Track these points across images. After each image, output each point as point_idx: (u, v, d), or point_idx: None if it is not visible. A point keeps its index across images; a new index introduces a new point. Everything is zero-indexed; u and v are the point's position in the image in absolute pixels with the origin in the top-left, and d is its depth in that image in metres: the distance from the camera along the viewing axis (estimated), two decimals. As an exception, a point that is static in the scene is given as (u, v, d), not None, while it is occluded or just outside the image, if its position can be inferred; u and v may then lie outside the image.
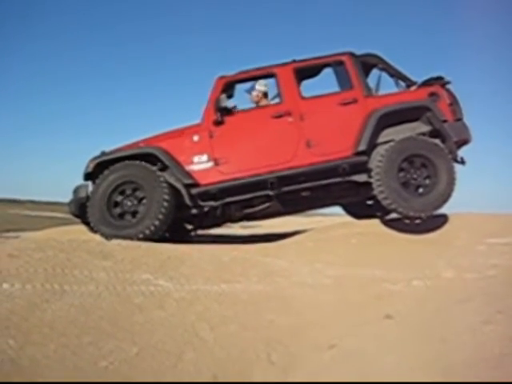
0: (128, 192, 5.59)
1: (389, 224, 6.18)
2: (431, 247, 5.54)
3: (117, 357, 2.97)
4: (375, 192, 5.72)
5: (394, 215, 6.75)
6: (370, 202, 7.15)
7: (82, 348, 2.96)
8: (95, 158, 5.90)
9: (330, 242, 5.58)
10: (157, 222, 5.34)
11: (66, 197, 6.14)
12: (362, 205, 7.22)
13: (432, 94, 6.03)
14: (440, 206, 5.69)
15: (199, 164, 5.84)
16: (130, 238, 5.21)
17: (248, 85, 6.53)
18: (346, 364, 3.16)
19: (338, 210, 7.81)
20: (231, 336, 3.49)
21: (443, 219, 6.27)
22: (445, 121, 5.87)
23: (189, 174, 5.78)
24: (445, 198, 5.66)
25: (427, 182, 5.71)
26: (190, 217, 6.15)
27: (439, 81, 6.17)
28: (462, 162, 6.02)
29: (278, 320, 3.81)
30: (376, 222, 6.35)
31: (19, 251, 3.91)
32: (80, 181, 5.92)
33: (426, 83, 6.28)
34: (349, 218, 7.50)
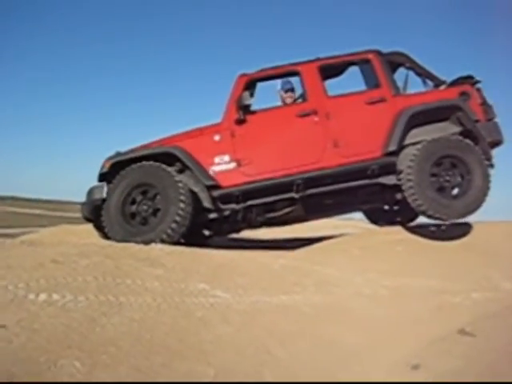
0: (145, 195, 5.19)
1: (424, 230, 5.88)
2: (480, 256, 5.25)
3: (194, 380, 2.59)
4: (406, 195, 5.40)
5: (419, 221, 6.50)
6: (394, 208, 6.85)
7: (155, 370, 2.57)
8: (110, 158, 5.50)
9: (376, 250, 5.26)
10: (170, 231, 4.94)
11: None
12: (384, 211, 6.91)
13: (462, 94, 5.72)
14: (481, 203, 5.40)
15: (221, 165, 5.45)
16: (147, 242, 4.79)
17: (278, 83, 6.23)
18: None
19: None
20: (304, 354, 3.16)
21: (470, 226, 5.98)
22: (477, 121, 5.58)
23: (210, 176, 5.39)
24: (483, 195, 5.37)
25: (461, 181, 5.41)
26: (208, 222, 5.76)
27: (469, 80, 5.87)
28: (491, 165, 5.72)
29: (347, 336, 3.50)
30: (411, 228, 6.04)
31: (63, 257, 3.50)
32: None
33: (456, 82, 5.99)
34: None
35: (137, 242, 4.63)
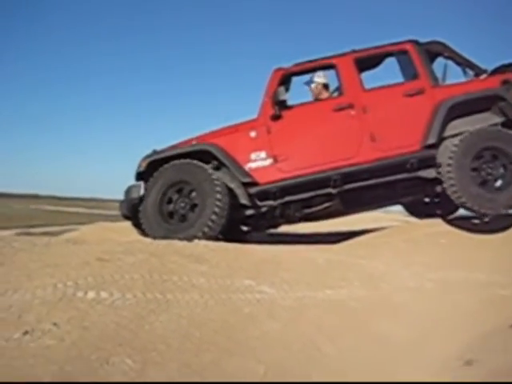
0: (182, 193, 5.22)
1: (466, 223, 5.75)
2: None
3: (245, 378, 2.57)
4: (448, 193, 5.27)
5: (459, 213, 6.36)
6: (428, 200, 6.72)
7: (205, 368, 2.55)
8: (147, 157, 5.54)
9: (420, 243, 5.18)
10: (210, 223, 4.95)
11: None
12: (424, 203, 6.78)
13: (505, 82, 5.51)
14: None
15: (257, 161, 5.42)
16: (189, 238, 4.82)
17: (306, 77, 6.12)
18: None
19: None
20: (354, 349, 3.10)
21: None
22: None
23: (246, 173, 5.37)
24: None
25: (503, 172, 5.27)
26: (245, 218, 5.73)
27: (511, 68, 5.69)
28: None
29: (396, 330, 3.43)
30: (453, 221, 5.91)
31: (108, 255, 3.52)
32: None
33: (498, 71, 5.79)
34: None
35: (179, 239, 4.65)
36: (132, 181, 5.66)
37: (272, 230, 6.77)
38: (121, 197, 5.72)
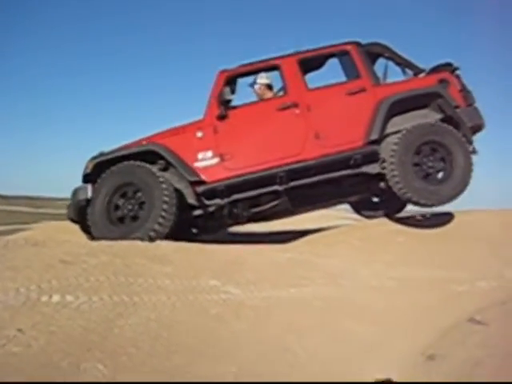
0: (128, 195, 5.13)
1: (411, 220, 5.92)
2: (479, 245, 5.28)
3: (218, 381, 2.56)
4: (394, 190, 5.39)
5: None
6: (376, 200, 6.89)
7: (177, 371, 2.53)
8: (94, 159, 5.42)
9: (377, 241, 5.28)
10: (164, 213, 4.89)
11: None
12: (371, 203, 6.93)
13: (442, 81, 5.72)
14: (467, 182, 5.42)
15: (204, 161, 5.39)
16: (147, 233, 4.78)
17: (251, 78, 6.17)
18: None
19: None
20: (321, 349, 3.13)
21: (453, 215, 6.04)
22: (457, 107, 5.59)
23: (194, 171, 5.33)
24: (468, 172, 5.41)
25: (443, 165, 5.43)
26: (194, 219, 5.67)
27: (448, 67, 5.88)
28: (474, 151, 5.75)
29: (360, 328, 3.49)
30: (398, 219, 6.05)
31: (71, 257, 3.44)
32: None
33: (435, 70, 6.00)
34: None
35: (139, 239, 4.60)
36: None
37: (229, 231, 6.77)
38: (64, 195, 5.56)
